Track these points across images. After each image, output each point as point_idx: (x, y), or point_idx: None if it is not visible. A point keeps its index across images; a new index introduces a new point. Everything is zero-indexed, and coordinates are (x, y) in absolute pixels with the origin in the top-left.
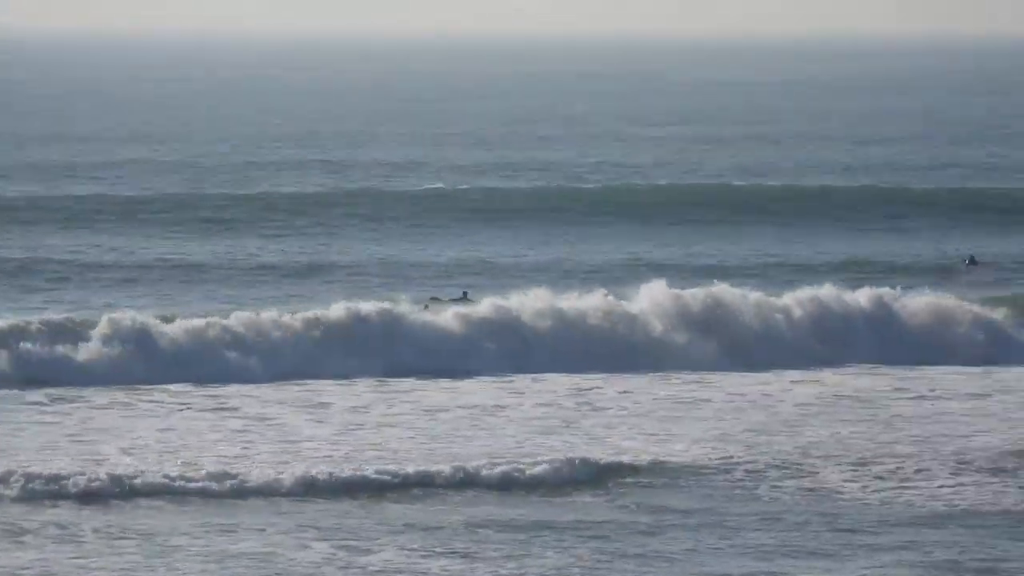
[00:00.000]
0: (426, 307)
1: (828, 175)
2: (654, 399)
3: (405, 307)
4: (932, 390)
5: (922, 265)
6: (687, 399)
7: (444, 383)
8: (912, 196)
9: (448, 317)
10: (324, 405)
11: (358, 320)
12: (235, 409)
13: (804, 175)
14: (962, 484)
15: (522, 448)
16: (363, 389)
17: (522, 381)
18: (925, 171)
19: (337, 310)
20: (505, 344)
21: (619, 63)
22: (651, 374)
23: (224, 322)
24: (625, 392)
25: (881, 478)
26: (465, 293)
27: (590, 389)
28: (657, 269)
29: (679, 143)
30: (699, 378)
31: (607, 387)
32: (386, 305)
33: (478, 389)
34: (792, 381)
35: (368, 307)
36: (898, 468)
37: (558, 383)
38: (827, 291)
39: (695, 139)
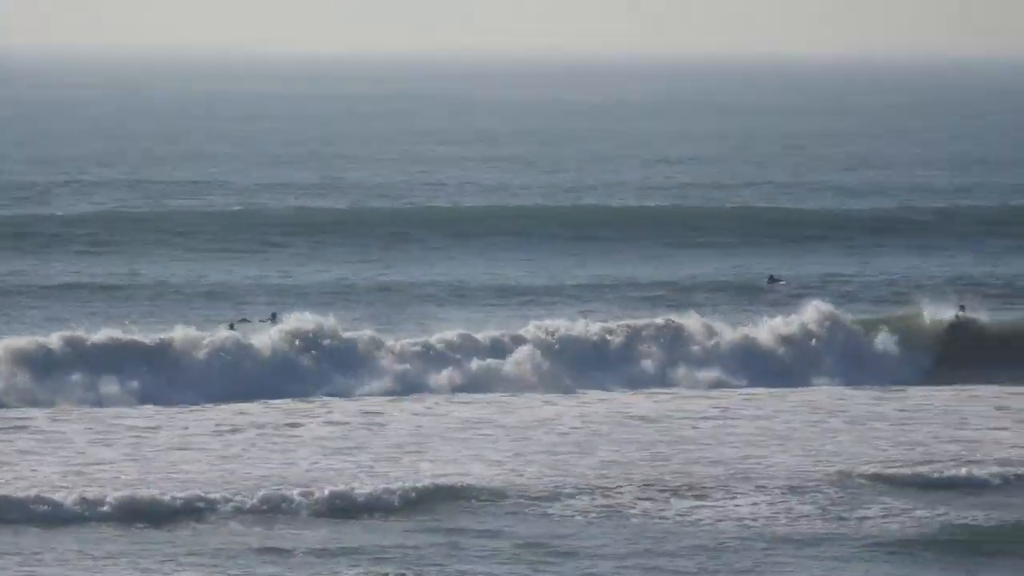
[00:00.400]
0: (232, 328)
1: (632, 195)
2: (447, 422)
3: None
4: (724, 410)
5: (725, 283)
6: (479, 421)
7: (240, 405)
8: (714, 215)
9: (256, 338)
10: (116, 427)
11: (166, 342)
12: (23, 429)
13: (609, 195)
14: (756, 504)
15: (314, 470)
16: (155, 411)
17: (311, 403)
18: (728, 190)
19: (151, 333)
20: (311, 365)
21: (424, 83)
22: (442, 396)
23: (44, 341)
24: (417, 414)
25: (679, 498)
26: (274, 315)
27: (380, 412)
28: (463, 291)
29: (486, 163)
30: (491, 400)
31: (397, 408)
32: (191, 330)
33: (267, 411)
34: (582, 402)
35: (179, 330)
36: (691, 488)
37: (346, 405)
38: (644, 320)
39: (501, 159)
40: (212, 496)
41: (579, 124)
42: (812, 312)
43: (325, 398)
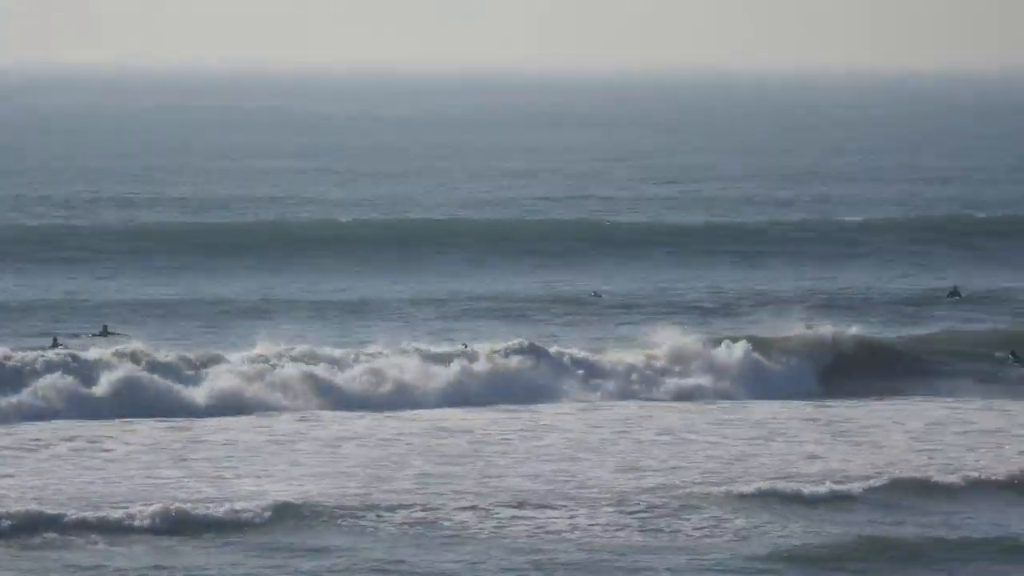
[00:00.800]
0: (56, 343)
1: (457, 209)
2: (262, 437)
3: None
4: (539, 424)
5: (555, 297)
6: (294, 436)
7: (59, 423)
8: (539, 228)
9: (83, 353)
10: None
11: None
12: None
13: (435, 209)
14: (574, 517)
15: (134, 487)
16: None
17: (131, 421)
18: (554, 203)
19: None
20: (135, 382)
21: (246, 97)
22: (254, 415)
23: None
24: (234, 430)
25: (497, 510)
26: (105, 327)
27: (192, 429)
28: (287, 307)
29: (307, 177)
30: (302, 417)
31: (218, 425)
32: (11, 345)
33: (86, 428)
34: (387, 416)
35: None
36: (508, 501)
37: (167, 423)
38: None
39: (324, 172)
40: (27, 513)
41: (405, 138)
42: (666, 337)
43: (145, 417)
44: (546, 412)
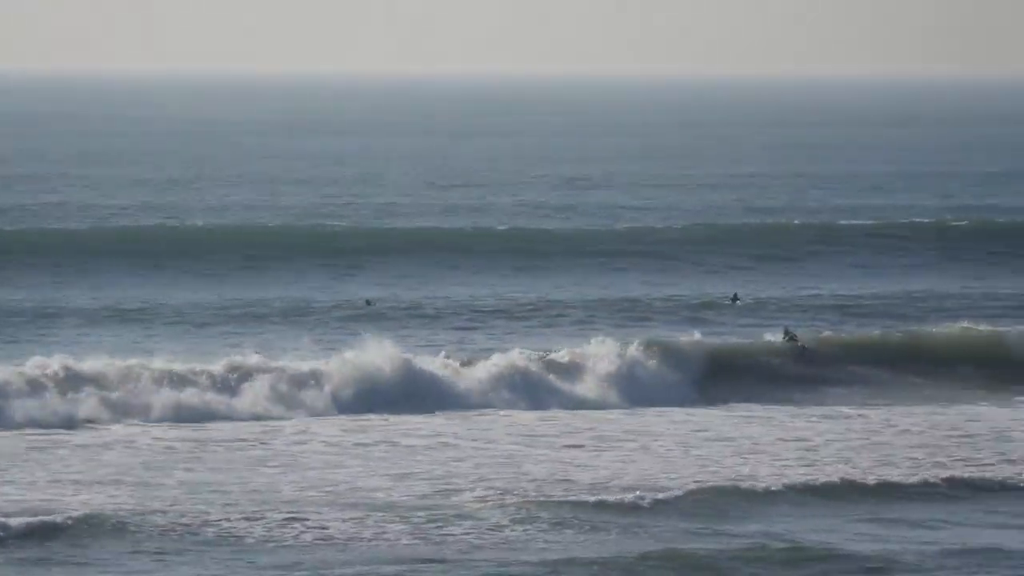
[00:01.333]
0: None
1: (238, 212)
2: (24, 445)
3: None
4: (303, 432)
5: (332, 304)
6: (53, 445)
7: None
8: (318, 233)
9: None
10: None
11: None
12: None
13: (212, 214)
14: (344, 522)
15: None
16: None
17: None
18: (336, 209)
19: None
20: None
21: (84, 102)
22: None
23: None
24: None
25: (263, 517)
26: None
27: None
28: (65, 314)
29: (80, 181)
30: (64, 426)
31: None
32: None
33: None
34: (153, 425)
35: None
36: (277, 508)
37: None
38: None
39: (98, 177)
40: None
41: (175, 143)
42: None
43: None
44: (313, 421)
